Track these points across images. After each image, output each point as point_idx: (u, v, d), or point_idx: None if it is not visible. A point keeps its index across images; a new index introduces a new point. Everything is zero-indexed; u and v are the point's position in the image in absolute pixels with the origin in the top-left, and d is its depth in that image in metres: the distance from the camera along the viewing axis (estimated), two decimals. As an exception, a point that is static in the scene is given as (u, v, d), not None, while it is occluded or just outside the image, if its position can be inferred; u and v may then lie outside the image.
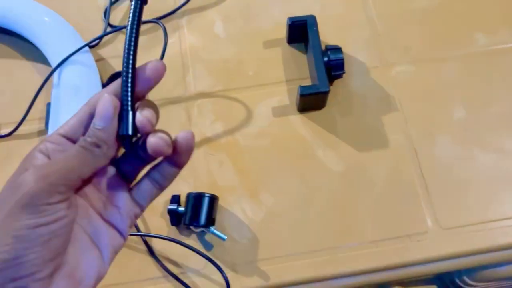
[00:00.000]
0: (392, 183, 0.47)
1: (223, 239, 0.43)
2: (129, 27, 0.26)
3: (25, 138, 0.50)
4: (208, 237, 0.46)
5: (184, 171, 0.30)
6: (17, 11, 0.52)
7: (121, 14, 0.57)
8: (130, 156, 0.28)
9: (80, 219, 0.26)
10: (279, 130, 0.50)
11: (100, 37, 0.54)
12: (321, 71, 0.47)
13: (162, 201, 0.47)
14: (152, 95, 0.52)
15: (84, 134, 0.26)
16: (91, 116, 0.26)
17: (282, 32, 0.54)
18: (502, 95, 0.51)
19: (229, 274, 0.43)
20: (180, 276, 0.44)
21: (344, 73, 0.49)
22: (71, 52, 0.50)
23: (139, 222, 0.46)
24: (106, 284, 0.43)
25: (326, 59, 0.49)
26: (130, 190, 0.29)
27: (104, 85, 0.52)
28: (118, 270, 0.44)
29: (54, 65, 0.50)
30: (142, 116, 0.26)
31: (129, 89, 0.26)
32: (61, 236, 0.24)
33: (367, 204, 0.47)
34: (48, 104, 0.50)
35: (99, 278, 0.26)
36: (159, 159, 0.28)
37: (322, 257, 0.45)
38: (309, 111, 0.50)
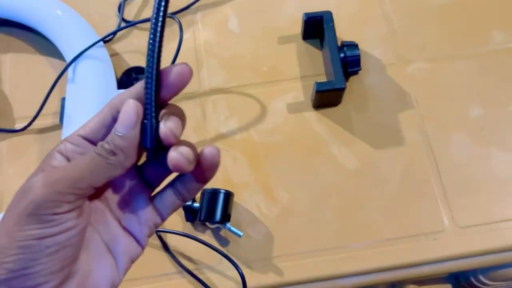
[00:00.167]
0: (407, 181, 0.47)
1: (239, 236, 0.43)
2: (153, 26, 0.24)
3: (39, 133, 0.50)
4: (223, 233, 0.45)
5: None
6: (32, 6, 0.52)
7: (135, 8, 0.57)
8: (154, 163, 0.27)
9: (97, 224, 0.25)
10: (294, 126, 0.50)
11: (114, 32, 0.54)
12: (338, 67, 0.47)
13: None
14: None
15: (104, 137, 0.25)
16: (113, 118, 0.25)
17: (297, 27, 0.54)
18: (520, 93, 0.50)
19: (244, 271, 0.43)
20: (195, 272, 0.44)
21: (360, 69, 0.49)
22: (85, 47, 0.50)
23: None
24: (121, 279, 0.43)
25: (342, 55, 0.48)
26: (152, 198, 0.27)
27: (119, 81, 0.52)
28: (133, 265, 0.44)
29: (68, 60, 0.50)
30: (166, 127, 0.24)
31: (153, 98, 0.24)
32: (71, 246, 0.23)
33: (382, 202, 0.46)
34: (63, 99, 0.50)
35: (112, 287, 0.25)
36: None
37: (337, 254, 0.45)
38: (324, 107, 0.50)
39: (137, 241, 0.26)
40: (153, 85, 0.24)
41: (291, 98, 0.51)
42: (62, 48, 0.51)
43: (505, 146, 0.48)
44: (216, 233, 0.45)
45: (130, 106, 0.24)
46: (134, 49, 0.54)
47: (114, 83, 0.51)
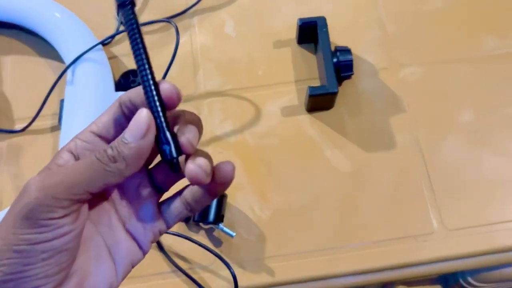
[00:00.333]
0: (398, 184, 0.48)
1: (232, 236, 0.44)
2: (132, 40, 0.24)
3: (38, 134, 0.52)
4: (216, 233, 0.46)
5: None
6: (31, 9, 0.53)
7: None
8: (166, 167, 0.26)
9: (101, 226, 0.25)
10: (288, 129, 0.51)
11: (113, 36, 0.55)
12: (330, 72, 0.48)
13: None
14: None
15: (117, 134, 0.24)
16: (125, 116, 0.24)
17: (292, 32, 0.54)
18: (511, 99, 0.51)
19: (237, 271, 0.44)
20: (189, 272, 0.45)
21: (353, 74, 0.50)
22: (84, 49, 0.51)
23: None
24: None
25: (335, 60, 0.49)
26: (159, 204, 0.27)
27: (117, 83, 0.53)
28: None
29: (67, 62, 0.51)
30: (184, 138, 0.23)
31: (159, 110, 0.23)
32: (67, 251, 0.22)
33: (374, 205, 0.47)
34: (62, 101, 0.51)
35: None
36: None
37: (328, 255, 0.46)
38: (317, 111, 0.51)
39: (140, 246, 0.26)
40: (156, 100, 0.24)
41: (286, 102, 0.52)
42: (62, 51, 0.52)
43: (495, 150, 0.49)
44: (209, 233, 0.46)
45: (143, 116, 0.23)
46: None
47: (112, 86, 0.52)
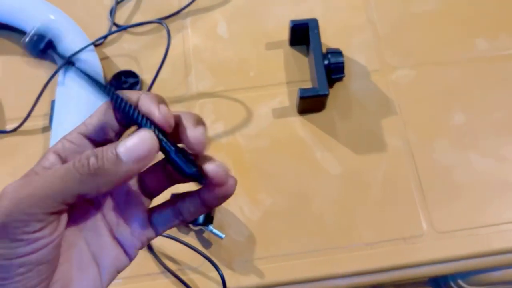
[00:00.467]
0: (389, 186, 0.48)
1: (221, 238, 0.44)
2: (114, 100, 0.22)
3: (29, 134, 0.51)
4: (206, 235, 0.46)
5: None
6: (23, 9, 0.53)
7: (127, 13, 0.58)
8: (158, 173, 0.25)
9: (86, 231, 0.24)
10: (279, 131, 0.51)
11: (105, 36, 0.55)
12: (321, 74, 0.48)
13: (161, 199, 0.47)
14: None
15: (105, 137, 0.23)
16: (116, 119, 0.23)
17: (284, 34, 0.55)
18: (502, 101, 0.51)
19: (226, 272, 0.44)
20: (178, 273, 0.45)
21: (344, 76, 0.50)
22: (76, 50, 0.51)
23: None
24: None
25: (326, 62, 0.49)
26: (149, 211, 0.25)
27: (109, 84, 0.52)
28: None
29: (59, 62, 0.51)
30: (196, 134, 0.22)
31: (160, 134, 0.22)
32: (46, 263, 0.21)
33: (364, 207, 0.47)
34: (53, 102, 0.51)
35: None
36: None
37: (318, 257, 0.46)
38: (308, 113, 0.51)
39: (126, 253, 0.25)
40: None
41: (277, 103, 0.52)
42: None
43: (486, 153, 0.49)
44: (199, 235, 0.46)
45: (146, 139, 0.21)
46: (124, 53, 0.55)
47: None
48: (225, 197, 0.24)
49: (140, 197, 0.25)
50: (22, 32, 0.54)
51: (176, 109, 0.52)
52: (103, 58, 0.54)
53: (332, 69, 0.49)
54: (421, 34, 0.55)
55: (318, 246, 0.46)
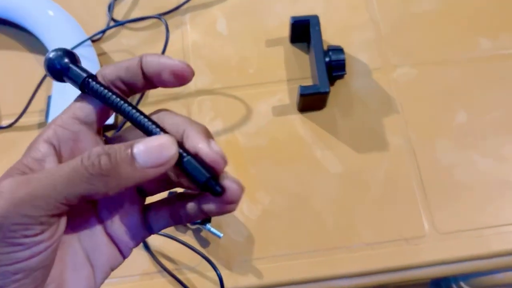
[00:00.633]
0: (390, 186, 0.47)
1: (219, 237, 0.43)
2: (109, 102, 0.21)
3: (25, 130, 0.51)
4: (204, 234, 0.46)
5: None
6: (20, 4, 0.52)
7: (125, 8, 0.57)
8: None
9: (80, 230, 0.23)
10: (278, 129, 0.50)
11: (103, 31, 0.54)
12: (322, 71, 0.47)
13: (159, 198, 0.47)
14: (153, 91, 0.52)
15: (102, 123, 0.21)
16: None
17: (285, 31, 0.54)
18: (504, 101, 0.50)
19: (224, 272, 0.43)
20: (175, 272, 0.44)
21: (345, 73, 0.49)
22: (73, 45, 0.50)
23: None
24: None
25: (327, 59, 0.49)
26: (144, 208, 0.24)
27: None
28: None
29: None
30: (214, 151, 0.21)
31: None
32: (43, 268, 0.20)
33: (364, 207, 0.46)
34: (49, 97, 0.50)
35: None
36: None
37: (318, 258, 0.45)
38: (309, 111, 0.50)
39: (120, 251, 0.24)
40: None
41: (277, 101, 0.51)
42: (50, 46, 0.51)
43: (488, 152, 0.48)
44: (197, 233, 0.46)
45: (168, 145, 0.19)
46: (122, 48, 0.55)
47: (100, 82, 0.51)
48: (228, 212, 0.22)
49: (135, 195, 0.24)
50: (18, 27, 0.53)
51: (175, 106, 0.51)
52: (101, 54, 0.54)
53: (333, 66, 0.48)
54: (422, 33, 0.54)
55: (318, 246, 0.45)
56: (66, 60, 0.22)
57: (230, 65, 0.53)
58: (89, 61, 0.51)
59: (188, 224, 0.44)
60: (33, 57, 0.54)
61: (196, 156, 0.21)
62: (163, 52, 0.49)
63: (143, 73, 0.22)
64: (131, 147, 0.19)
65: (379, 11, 0.55)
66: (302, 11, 0.53)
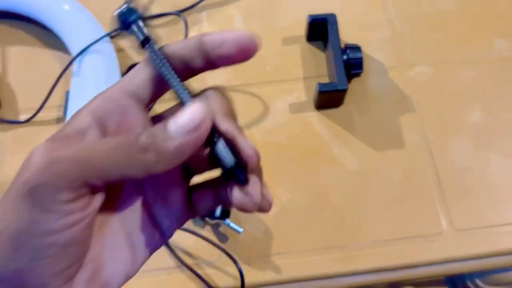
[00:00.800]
0: (407, 183, 0.47)
1: (239, 232, 0.43)
2: (164, 73, 0.20)
3: (43, 125, 0.51)
4: (222, 229, 0.46)
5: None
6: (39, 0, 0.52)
7: (143, 4, 0.57)
8: (201, 154, 0.21)
9: (123, 209, 0.21)
10: (296, 126, 0.50)
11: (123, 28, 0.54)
12: (340, 69, 0.48)
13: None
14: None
15: (153, 99, 0.20)
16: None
17: (301, 29, 0.54)
18: (520, 100, 0.51)
19: (242, 267, 0.43)
20: (194, 267, 0.44)
21: (362, 71, 0.50)
22: (91, 41, 0.50)
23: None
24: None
25: (345, 57, 0.49)
26: (189, 189, 0.23)
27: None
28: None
29: (74, 53, 0.51)
30: (250, 146, 0.20)
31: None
32: (76, 244, 0.18)
33: (382, 203, 0.47)
34: (67, 92, 0.50)
35: (126, 281, 0.21)
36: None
37: (335, 254, 0.45)
38: (326, 108, 0.50)
39: (162, 233, 0.22)
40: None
41: (294, 98, 0.51)
42: (68, 42, 0.51)
43: (504, 152, 0.49)
44: (215, 229, 0.46)
45: (196, 107, 0.18)
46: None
47: (118, 79, 0.51)
48: (260, 210, 0.22)
49: (181, 175, 0.23)
50: (37, 23, 0.53)
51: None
52: (119, 50, 0.54)
53: (351, 64, 0.49)
54: (439, 32, 0.54)
55: (335, 243, 0.45)
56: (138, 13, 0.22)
57: (248, 63, 0.52)
58: (107, 57, 0.51)
59: (207, 219, 0.45)
60: (50, 53, 0.54)
61: (230, 142, 0.20)
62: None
63: (203, 50, 0.21)
64: (166, 121, 0.18)
65: (395, 10, 0.56)
66: (319, 9, 0.53)
